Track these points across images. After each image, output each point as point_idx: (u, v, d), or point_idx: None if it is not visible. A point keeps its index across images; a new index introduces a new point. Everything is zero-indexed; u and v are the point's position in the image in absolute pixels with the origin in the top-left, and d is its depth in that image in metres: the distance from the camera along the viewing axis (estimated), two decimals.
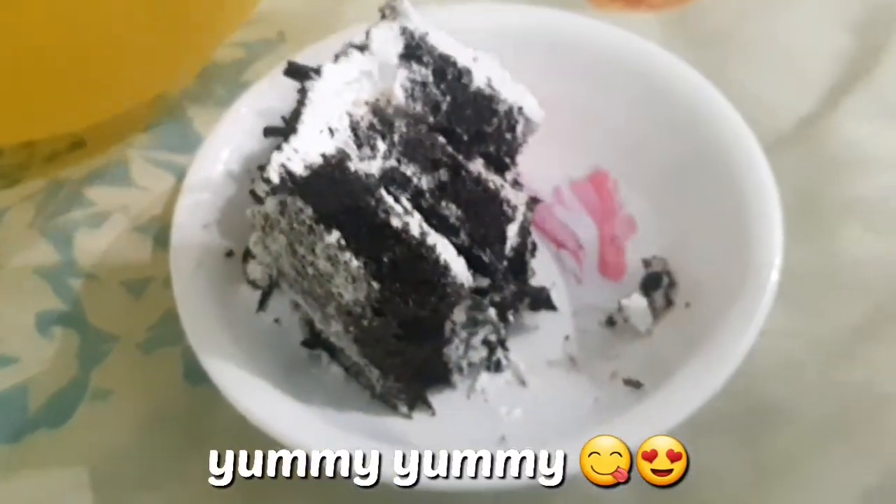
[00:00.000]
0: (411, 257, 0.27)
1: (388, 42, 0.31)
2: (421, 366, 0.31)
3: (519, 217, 0.31)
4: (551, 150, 0.35)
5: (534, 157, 0.34)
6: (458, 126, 0.31)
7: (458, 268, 0.28)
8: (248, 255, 0.32)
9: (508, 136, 0.33)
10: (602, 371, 0.32)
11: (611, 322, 0.33)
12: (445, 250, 0.28)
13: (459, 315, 0.31)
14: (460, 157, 0.31)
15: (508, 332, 0.33)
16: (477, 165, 0.31)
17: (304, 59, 0.35)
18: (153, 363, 0.34)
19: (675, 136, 0.35)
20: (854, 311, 0.34)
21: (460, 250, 0.29)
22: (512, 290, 0.32)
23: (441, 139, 0.31)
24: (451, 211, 0.30)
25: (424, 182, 0.30)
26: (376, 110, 0.30)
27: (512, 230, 0.31)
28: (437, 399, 0.32)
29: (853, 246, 0.35)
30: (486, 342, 0.32)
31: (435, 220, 0.29)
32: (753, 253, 0.30)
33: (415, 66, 0.31)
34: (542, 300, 0.34)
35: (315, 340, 0.32)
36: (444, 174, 0.30)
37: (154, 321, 0.35)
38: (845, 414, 0.31)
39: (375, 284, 0.27)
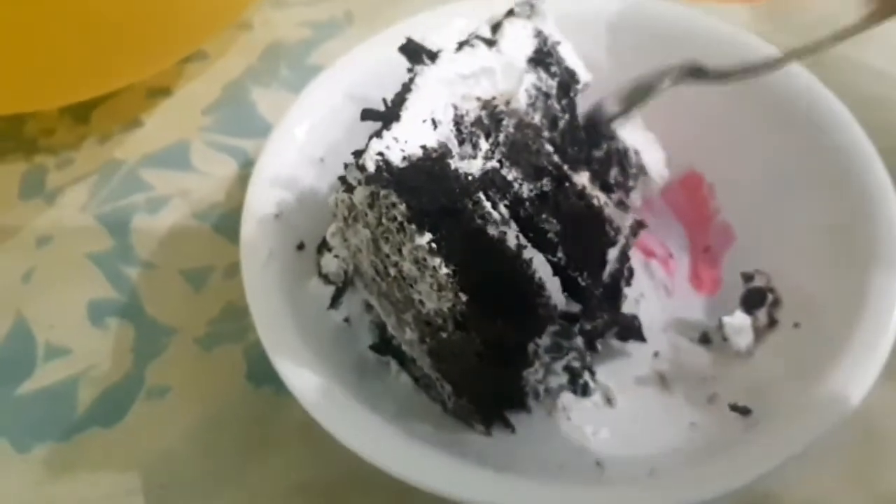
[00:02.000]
0: (505, 271, 0.25)
1: (518, 42, 0.29)
2: (496, 387, 0.28)
3: (621, 241, 0.29)
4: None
5: None
6: (570, 147, 0.29)
7: (553, 288, 0.26)
8: (323, 246, 0.29)
9: (616, 171, 0.31)
10: (697, 392, 0.30)
11: (705, 339, 0.31)
12: (541, 267, 0.26)
13: (544, 339, 0.28)
14: (566, 167, 0.28)
15: (594, 359, 0.30)
16: (582, 178, 0.29)
17: (378, 42, 0.33)
18: (213, 360, 0.32)
19: (784, 138, 0.32)
20: None
21: (555, 269, 0.26)
22: (605, 318, 0.29)
23: (548, 147, 0.28)
24: (551, 225, 0.27)
25: (525, 189, 0.27)
26: (486, 106, 0.28)
27: (612, 254, 0.28)
28: (516, 415, 0.29)
29: None
30: (568, 368, 0.30)
31: (532, 232, 0.27)
32: (874, 273, 0.27)
33: (542, 74, 0.29)
34: (631, 330, 0.31)
35: (384, 346, 0.30)
36: (546, 183, 0.28)
37: (214, 315, 0.33)
38: None
39: (463, 296, 0.25)
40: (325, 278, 0.30)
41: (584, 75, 0.30)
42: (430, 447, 0.26)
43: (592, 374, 0.30)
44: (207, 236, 0.35)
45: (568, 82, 0.29)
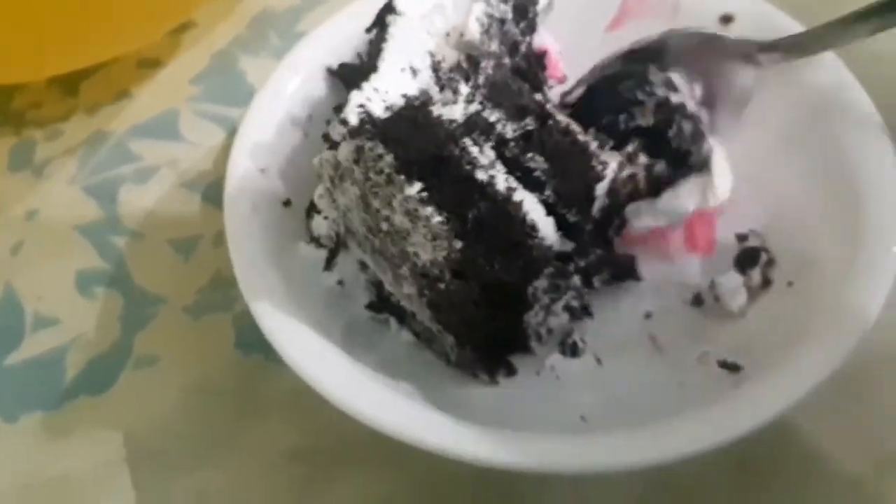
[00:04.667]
0: (496, 215, 0.25)
1: None
2: (498, 332, 0.28)
3: (609, 175, 0.28)
4: None
5: None
6: (536, 68, 0.29)
7: (547, 229, 0.26)
8: (312, 209, 0.29)
9: None
10: (687, 353, 0.29)
11: (698, 300, 0.30)
12: (533, 208, 0.25)
13: (542, 280, 0.28)
14: (549, 105, 0.28)
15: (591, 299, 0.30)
16: (566, 116, 0.28)
17: (362, 6, 0.32)
18: (202, 329, 0.32)
19: (777, 97, 0.31)
20: None
21: (547, 208, 0.26)
22: (597, 253, 0.29)
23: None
24: (537, 163, 0.27)
25: (509, 130, 0.27)
26: (461, 47, 0.27)
27: (601, 189, 0.28)
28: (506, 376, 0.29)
29: None
30: (567, 308, 0.29)
31: (519, 171, 0.26)
32: (869, 231, 0.27)
33: (493, 0, 0.28)
34: (626, 269, 0.30)
35: (382, 304, 0.29)
36: (530, 122, 0.27)
37: (203, 283, 0.33)
38: None
39: (458, 243, 0.24)
40: (317, 241, 0.30)
41: None
42: (420, 405, 0.26)
43: (589, 314, 0.30)
44: (196, 205, 0.35)
45: (524, 4, 0.28)
